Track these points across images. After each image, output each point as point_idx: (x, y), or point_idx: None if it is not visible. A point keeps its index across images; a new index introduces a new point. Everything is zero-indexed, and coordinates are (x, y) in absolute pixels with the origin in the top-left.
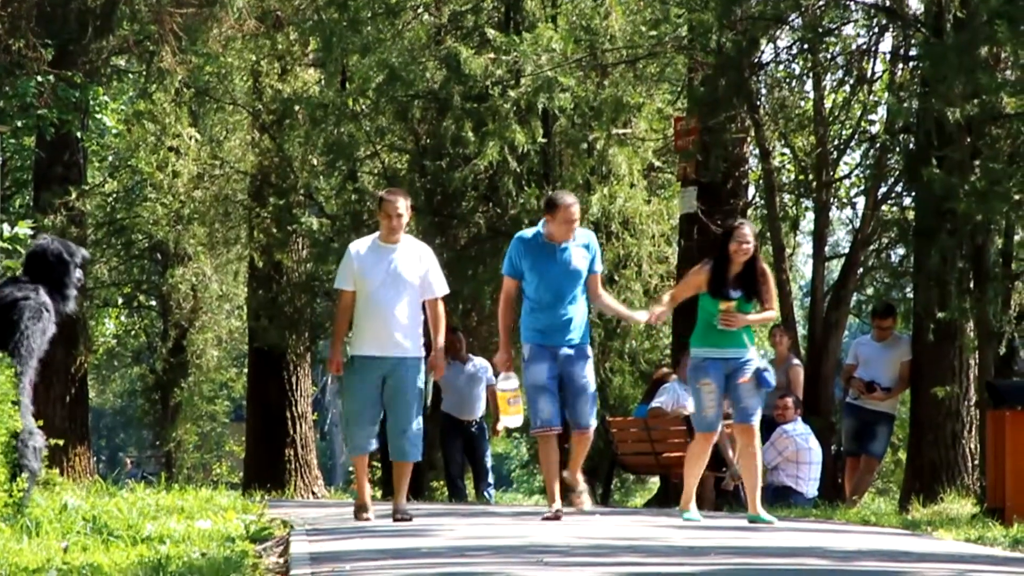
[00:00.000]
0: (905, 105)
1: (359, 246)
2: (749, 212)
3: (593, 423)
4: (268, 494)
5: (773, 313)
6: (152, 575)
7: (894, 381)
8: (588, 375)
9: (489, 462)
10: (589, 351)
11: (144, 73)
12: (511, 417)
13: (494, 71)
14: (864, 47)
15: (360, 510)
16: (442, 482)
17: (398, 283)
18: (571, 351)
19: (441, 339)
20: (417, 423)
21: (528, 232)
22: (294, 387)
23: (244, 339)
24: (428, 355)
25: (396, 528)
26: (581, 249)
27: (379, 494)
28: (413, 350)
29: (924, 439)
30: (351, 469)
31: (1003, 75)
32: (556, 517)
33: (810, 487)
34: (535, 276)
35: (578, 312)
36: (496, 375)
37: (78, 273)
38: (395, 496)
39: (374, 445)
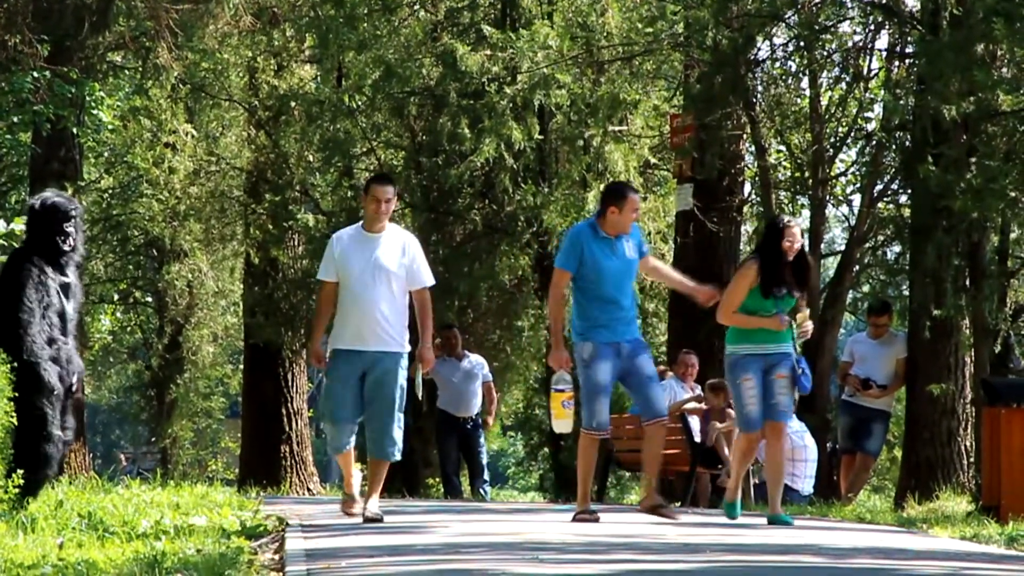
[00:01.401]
0: (901, 102)
1: (342, 235)
2: (745, 209)
3: (666, 413)
4: (264, 490)
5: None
6: (148, 571)
7: (890, 378)
8: (652, 365)
9: (485, 459)
10: (646, 343)
11: (140, 69)
12: (562, 421)
13: (490, 68)
14: (860, 44)
15: (349, 502)
16: (437, 479)
17: (381, 273)
18: (632, 344)
19: (429, 331)
20: (399, 420)
21: (583, 224)
22: (290, 384)
23: (240, 335)
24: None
25: (392, 525)
26: (631, 240)
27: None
28: (396, 344)
29: (920, 436)
30: None
31: (999, 72)
32: (592, 518)
33: (806, 484)
34: (595, 271)
35: (632, 305)
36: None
37: (69, 226)
38: (368, 495)
39: (353, 443)
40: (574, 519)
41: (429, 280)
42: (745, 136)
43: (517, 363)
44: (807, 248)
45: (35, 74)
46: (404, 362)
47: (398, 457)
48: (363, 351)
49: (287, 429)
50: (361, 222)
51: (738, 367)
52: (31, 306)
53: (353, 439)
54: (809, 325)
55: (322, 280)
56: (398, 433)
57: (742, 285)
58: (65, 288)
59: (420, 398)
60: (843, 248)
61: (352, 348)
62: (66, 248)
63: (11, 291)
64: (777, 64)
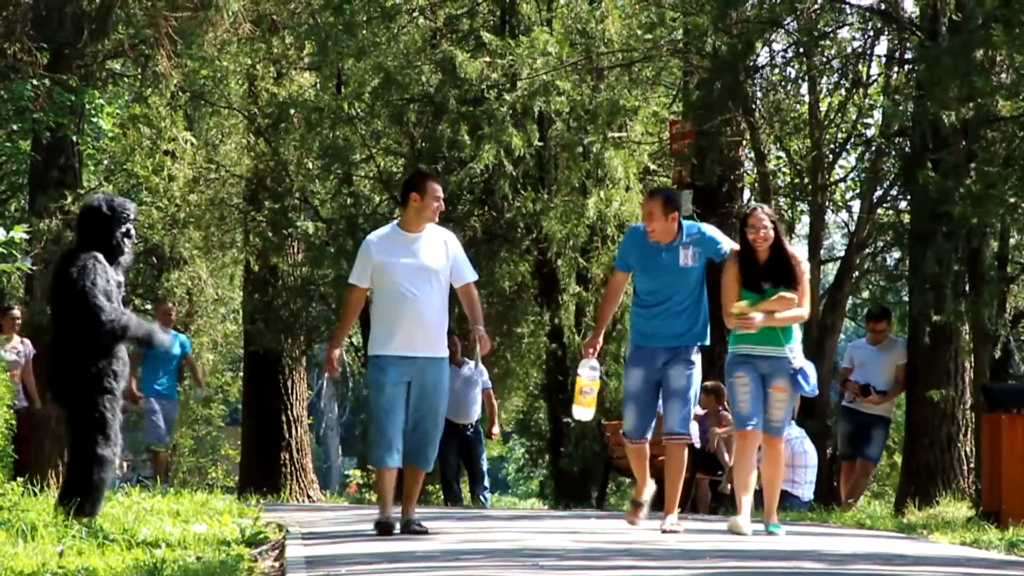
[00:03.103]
0: (900, 108)
1: (377, 239)
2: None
3: (685, 431)
4: (263, 498)
5: (803, 311)
6: None
7: (890, 384)
8: (687, 379)
9: (485, 466)
10: (694, 356)
11: (139, 77)
12: (581, 408)
13: (490, 75)
14: (859, 50)
15: (386, 526)
16: (437, 486)
17: (427, 275)
18: (669, 354)
19: (480, 316)
20: (441, 428)
21: (642, 225)
22: (289, 391)
23: (240, 343)
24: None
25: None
26: (691, 246)
27: (374, 498)
28: (442, 349)
29: (919, 442)
30: (347, 473)
31: (998, 78)
32: (641, 509)
33: (805, 490)
34: (642, 273)
35: (686, 314)
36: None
37: (124, 228)
38: (406, 505)
39: (400, 461)
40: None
41: (473, 275)
42: (744, 142)
43: (517, 369)
44: (782, 236)
45: (34, 82)
46: (447, 367)
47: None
48: (414, 357)
49: (287, 436)
50: (396, 222)
51: (731, 366)
52: (96, 295)
53: (402, 455)
54: (756, 316)
55: (353, 284)
56: (437, 442)
57: (728, 283)
58: (120, 287)
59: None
60: (843, 254)
61: (400, 354)
62: (126, 247)
63: (79, 280)
64: (776, 70)
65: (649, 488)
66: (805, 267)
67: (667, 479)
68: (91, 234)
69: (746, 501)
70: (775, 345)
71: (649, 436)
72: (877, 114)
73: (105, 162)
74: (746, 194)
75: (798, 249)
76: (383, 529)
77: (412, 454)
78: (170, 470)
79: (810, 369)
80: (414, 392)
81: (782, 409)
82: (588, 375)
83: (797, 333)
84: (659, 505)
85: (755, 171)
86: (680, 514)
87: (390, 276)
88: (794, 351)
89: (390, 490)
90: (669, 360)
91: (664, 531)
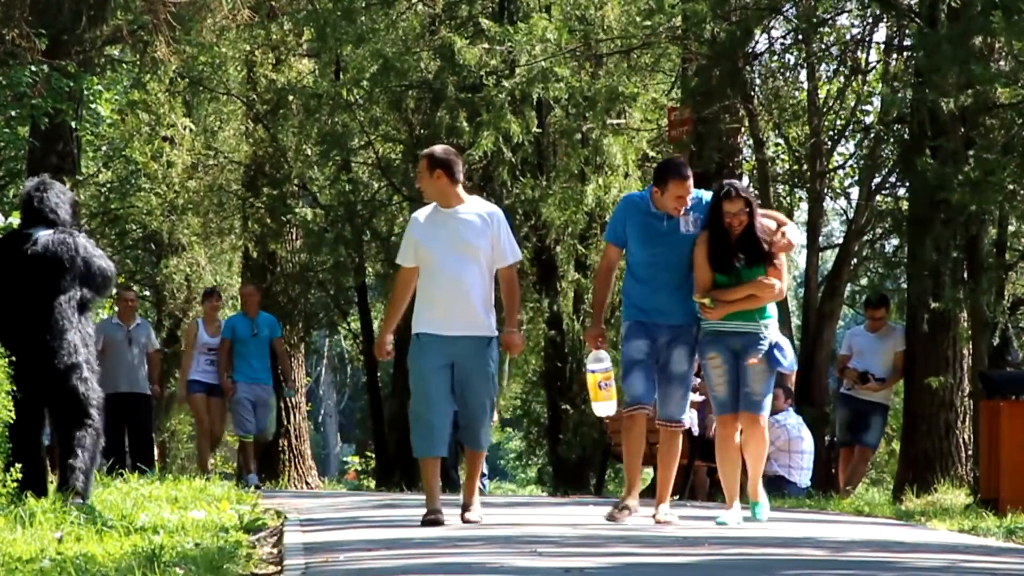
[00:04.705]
0: (899, 95)
1: (420, 215)
2: None
3: (684, 419)
4: (262, 484)
5: (776, 284)
6: (146, 565)
7: (888, 371)
8: (688, 364)
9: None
10: (692, 335)
11: (138, 63)
12: (602, 404)
13: (488, 61)
14: (858, 37)
15: (432, 520)
16: None
17: (464, 251)
18: (672, 333)
19: (516, 312)
20: (491, 409)
21: (636, 194)
22: (288, 378)
23: None
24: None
25: (390, 518)
26: (691, 213)
27: (372, 484)
28: (485, 328)
29: (918, 429)
30: (345, 460)
31: (997, 65)
32: (628, 512)
33: (802, 476)
34: (638, 245)
35: (686, 289)
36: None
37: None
38: (468, 492)
39: (447, 447)
40: (607, 517)
41: (513, 256)
42: (743, 129)
43: (515, 357)
44: (756, 215)
45: (33, 68)
46: (495, 345)
47: (486, 448)
48: (452, 336)
49: (285, 423)
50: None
51: (704, 345)
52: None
53: (447, 443)
54: (711, 311)
55: (400, 265)
56: (490, 423)
57: (699, 262)
58: None
59: (505, 386)
60: (841, 241)
61: (439, 333)
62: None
63: (92, 252)
64: (775, 57)
65: (635, 498)
66: (791, 233)
67: (661, 467)
68: (46, 218)
69: (732, 490)
70: (748, 320)
71: (652, 404)
72: (876, 101)
73: (103, 148)
74: (745, 181)
75: (775, 215)
76: (430, 523)
77: (468, 440)
78: (253, 457)
79: (785, 344)
80: (457, 374)
81: (760, 381)
82: (601, 368)
83: (772, 310)
84: (650, 491)
85: (754, 158)
86: (678, 501)
87: (428, 253)
88: (768, 327)
89: (434, 481)
90: (671, 340)
91: (658, 521)
